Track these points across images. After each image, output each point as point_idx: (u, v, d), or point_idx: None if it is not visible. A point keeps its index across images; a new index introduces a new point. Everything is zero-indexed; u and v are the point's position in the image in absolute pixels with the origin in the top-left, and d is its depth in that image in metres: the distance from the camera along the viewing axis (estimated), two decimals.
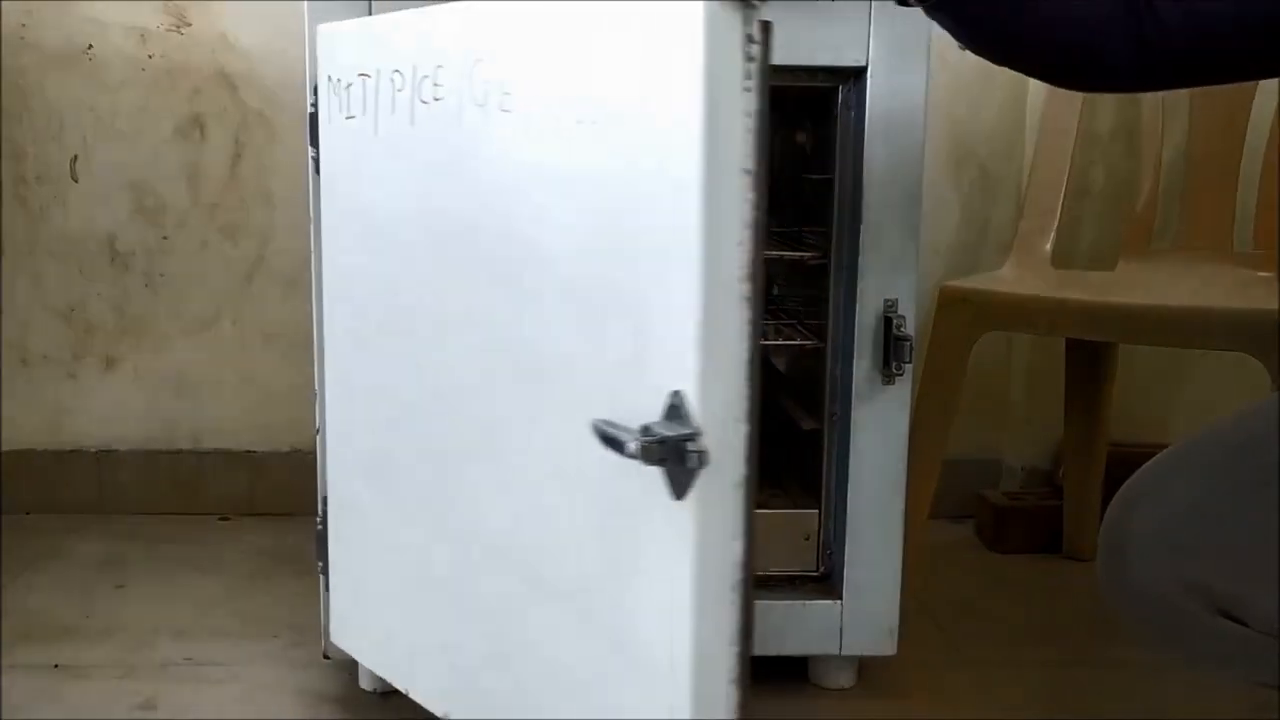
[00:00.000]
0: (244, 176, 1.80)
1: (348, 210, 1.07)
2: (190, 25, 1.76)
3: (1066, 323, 1.34)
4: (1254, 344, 1.21)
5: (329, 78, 1.06)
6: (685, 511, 0.73)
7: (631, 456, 0.72)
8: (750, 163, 0.73)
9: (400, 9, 0.99)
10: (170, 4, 1.75)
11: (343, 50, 1.04)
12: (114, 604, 1.48)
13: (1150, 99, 1.67)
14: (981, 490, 1.82)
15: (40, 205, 1.79)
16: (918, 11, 0.93)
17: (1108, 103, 1.74)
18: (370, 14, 1.10)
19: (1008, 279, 1.52)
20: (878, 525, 1.20)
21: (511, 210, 0.87)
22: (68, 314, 1.81)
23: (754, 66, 0.72)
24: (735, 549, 0.75)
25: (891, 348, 1.15)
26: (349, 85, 1.03)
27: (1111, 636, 1.42)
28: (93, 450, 1.83)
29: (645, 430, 0.72)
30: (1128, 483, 0.89)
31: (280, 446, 1.84)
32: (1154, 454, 0.92)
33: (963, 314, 1.38)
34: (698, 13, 0.70)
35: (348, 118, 1.04)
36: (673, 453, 0.72)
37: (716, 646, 0.75)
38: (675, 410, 0.73)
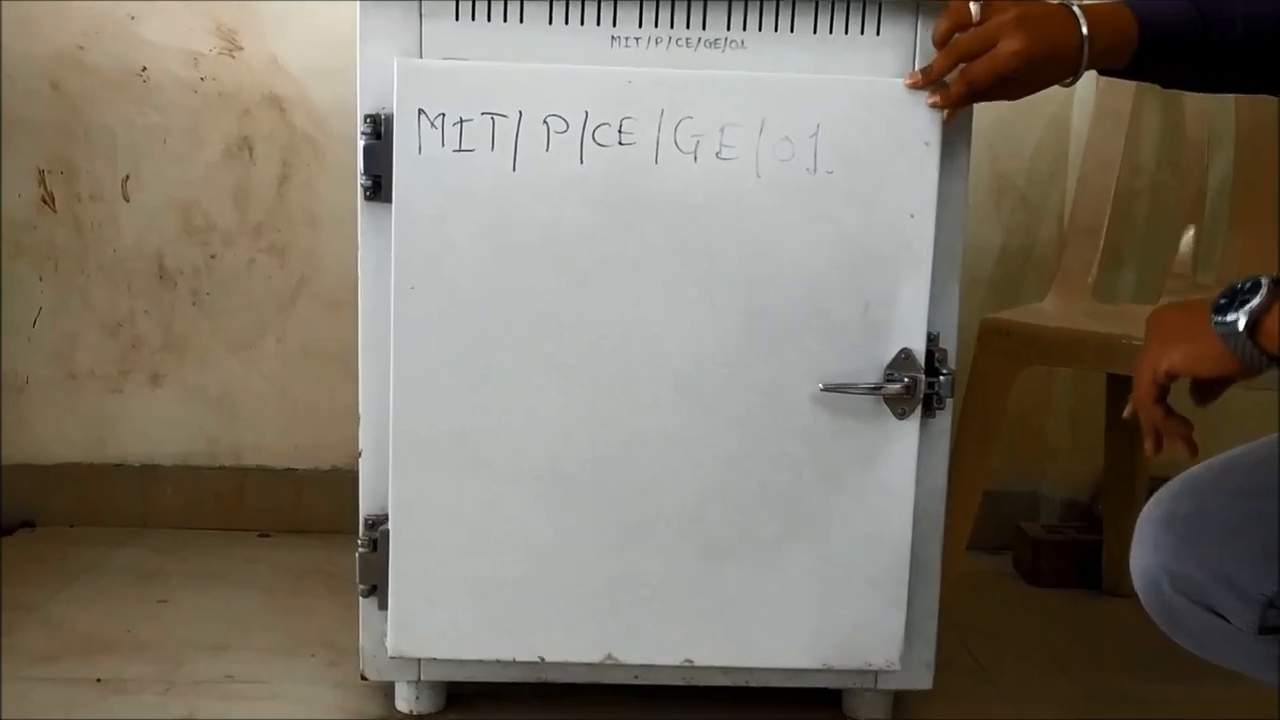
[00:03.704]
0: (291, 197, 1.83)
1: (462, 239, 1.11)
2: (242, 49, 1.79)
3: (1109, 358, 1.33)
4: None
5: (420, 111, 1.09)
6: (910, 425, 1.15)
7: (870, 391, 1.13)
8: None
9: (442, 36, 1.10)
10: (223, 28, 1.78)
11: (448, 87, 1.09)
12: (155, 619, 1.50)
13: (1195, 127, 1.66)
14: (1020, 522, 1.81)
15: (92, 223, 1.82)
16: None
17: (1151, 133, 1.74)
18: (421, 42, 1.12)
19: (1050, 312, 1.52)
20: (915, 557, 1.20)
21: (736, 230, 1.12)
22: (115, 330, 1.84)
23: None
24: (943, 451, 1.19)
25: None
26: (462, 121, 1.09)
27: (1151, 672, 1.40)
28: (136, 465, 1.86)
29: (887, 375, 1.13)
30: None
31: (321, 464, 1.86)
32: None
33: (1004, 347, 1.38)
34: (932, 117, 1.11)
35: (458, 151, 1.09)
36: (910, 387, 1.13)
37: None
38: (906, 361, 1.14)
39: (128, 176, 1.81)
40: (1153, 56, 1.07)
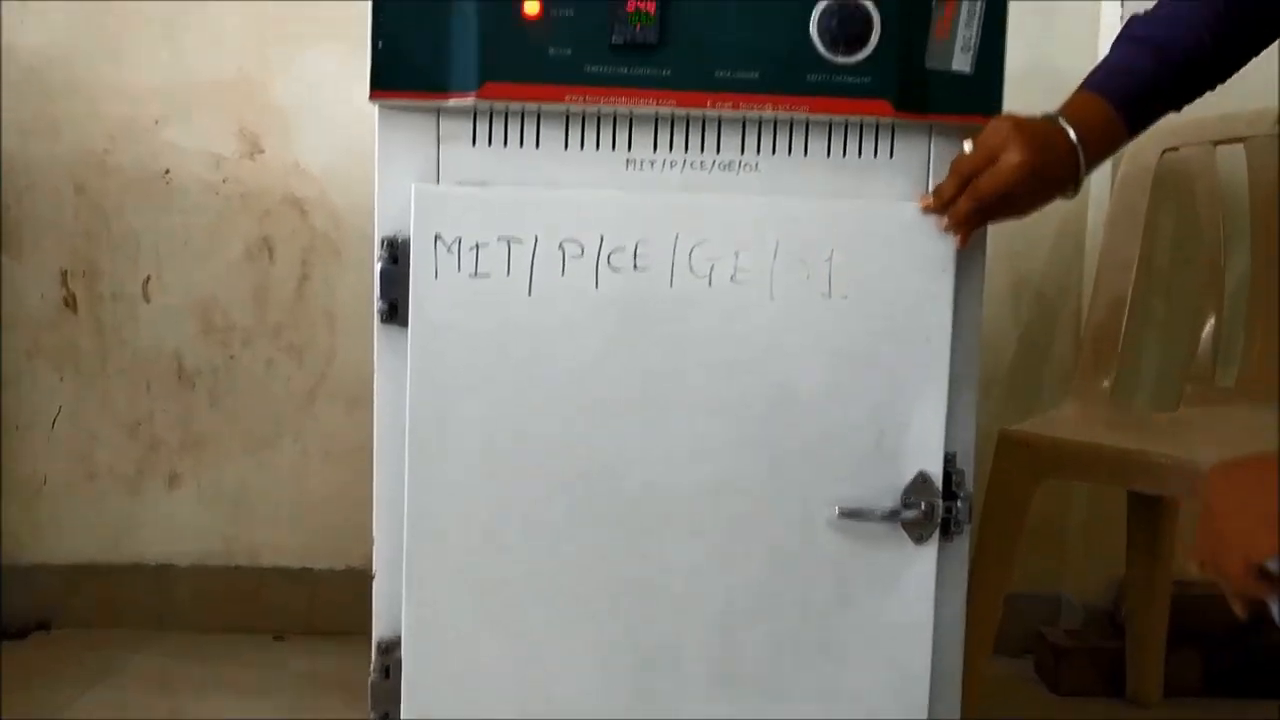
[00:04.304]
0: (310, 297, 1.84)
1: (479, 364, 1.11)
2: (264, 152, 1.82)
3: (1129, 475, 1.32)
4: None
5: (437, 236, 1.09)
6: (928, 549, 1.13)
7: (887, 519, 1.12)
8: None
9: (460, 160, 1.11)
10: (246, 131, 1.81)
11: (465, 213, 1.10)
12: None
13: (1210, 225, 1.66)
14: (1041, 627, 1.79)
15: (113, 323, 1.83)
16: None
17: (1167, 231, 1.73)
18: (438, 166, 1.13)
19: (1068, 420, 1.51)
20: (935, 671, 1.18)
21: (751, 354, 1.12)
22: (134, 430, 1.85)
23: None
24: (961, 574, 1.16)
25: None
26: (478, 246, 1.09)
27: None
28: (152, 565, 1.86)
29: (904, 499, 1.12)
30: None
31: (336, 564, 1.86)
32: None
33: (1022, 461, 1.37)
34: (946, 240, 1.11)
35: (474, 276, 1.09)
36: (928, 512, 1.11)
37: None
38: (923, 485, 1.12)
39: (149, 277, 1.83)
40: (1145, 119, 1.12)
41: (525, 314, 1.11)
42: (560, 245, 1.10)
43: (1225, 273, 1.63)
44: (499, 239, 1.10)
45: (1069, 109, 1.10)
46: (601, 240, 1.10)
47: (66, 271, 1.82)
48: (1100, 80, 1.11)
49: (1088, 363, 1.60)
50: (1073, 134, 1.07)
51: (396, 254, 1.12)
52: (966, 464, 1.17)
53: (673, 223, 1.10)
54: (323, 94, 1.80)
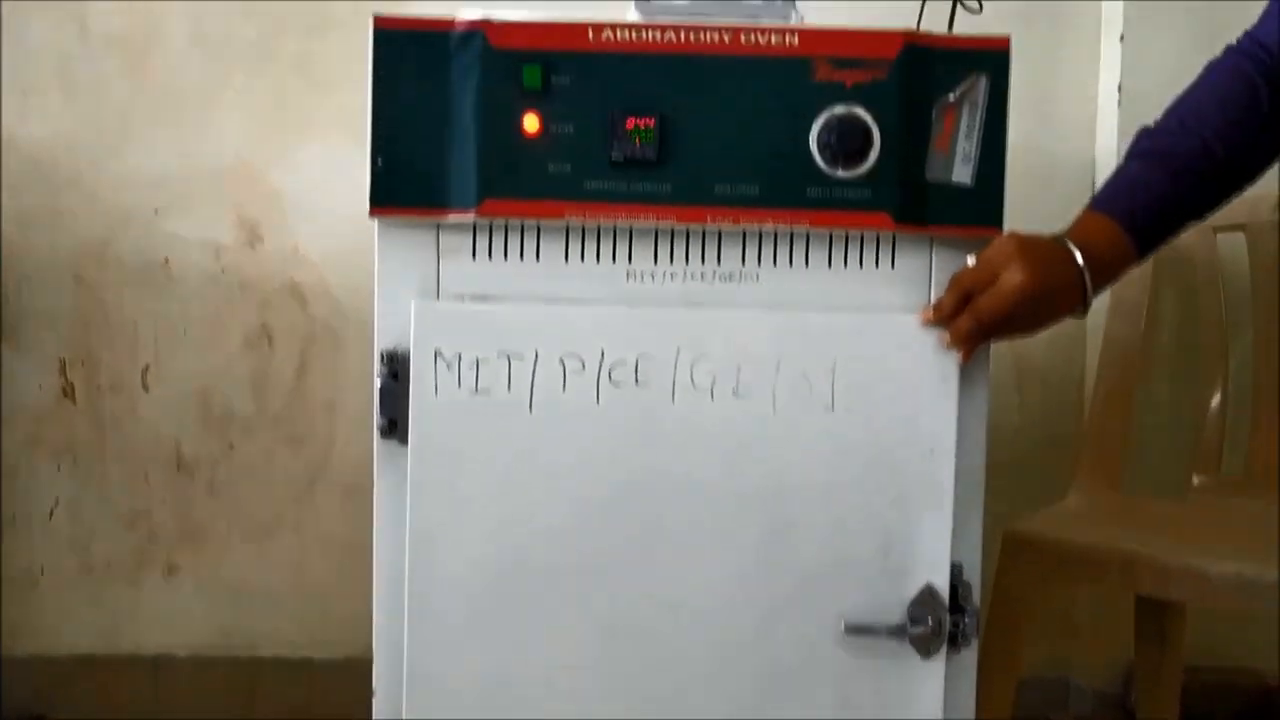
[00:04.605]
0: (309, 386, 1.83)
1: (479, 482, 1.11)
2: (263, 240, 1.82)
3: (1137, 581, 1.31)
4: None
5: (437, 353, 1.09)
6: (936, 664, 1.11)
7: (894, 634, 1.10)
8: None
9: (460, 273, 1.11)
10: (245, 220, 1.81)
11: (466, 329, 1.10)
12: None
13: (1213, 316, 1.66)
14: (1049, 713, 1.77)
15: (111, 414, 1.82)
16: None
17: (1167, 320, 1.73)
18: (439, 280, 1.12)
19: (1073, 515, 1.50)
20: None
21: (754, 469, 1.11)
22: (132, 520, 1.84)
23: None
24: (969, 686, 1.14)
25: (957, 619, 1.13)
26: (478, 362, 1.09)
27: None
28: (150, 656, 1.84)
29: (911, 613, 1.10)
30: None
31: (336, 654, 1.84)
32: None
33: (1028, 564, 1.36)
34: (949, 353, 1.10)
35: (474, 393, 1.09)
36: (935, 627, 1.10)
37: None
38: (929, 598, 1.10)
39: (148, 366, 1.82)
40: (1158, 237, 1.11)
41: (526, 430, 1.10)
42: (561, 360, 1.10)
43: (1229, 358, 1.62)
44: (499, 355, 1.10)
45: (1077, 230, 1.09)
46: (602, 355, 1.10)
47: (65, 361, 1.82)
48: (1108, 200, 1.11)
49: (1092, 451, 1.59)
50: (1079, 257, 1.06)
51: (396, 369, 1.12)
52: (973, 575, 1.15)
53: (674, 337, 1.10)
54: (322, 182, 1.80)
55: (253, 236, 1.81)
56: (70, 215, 1.80)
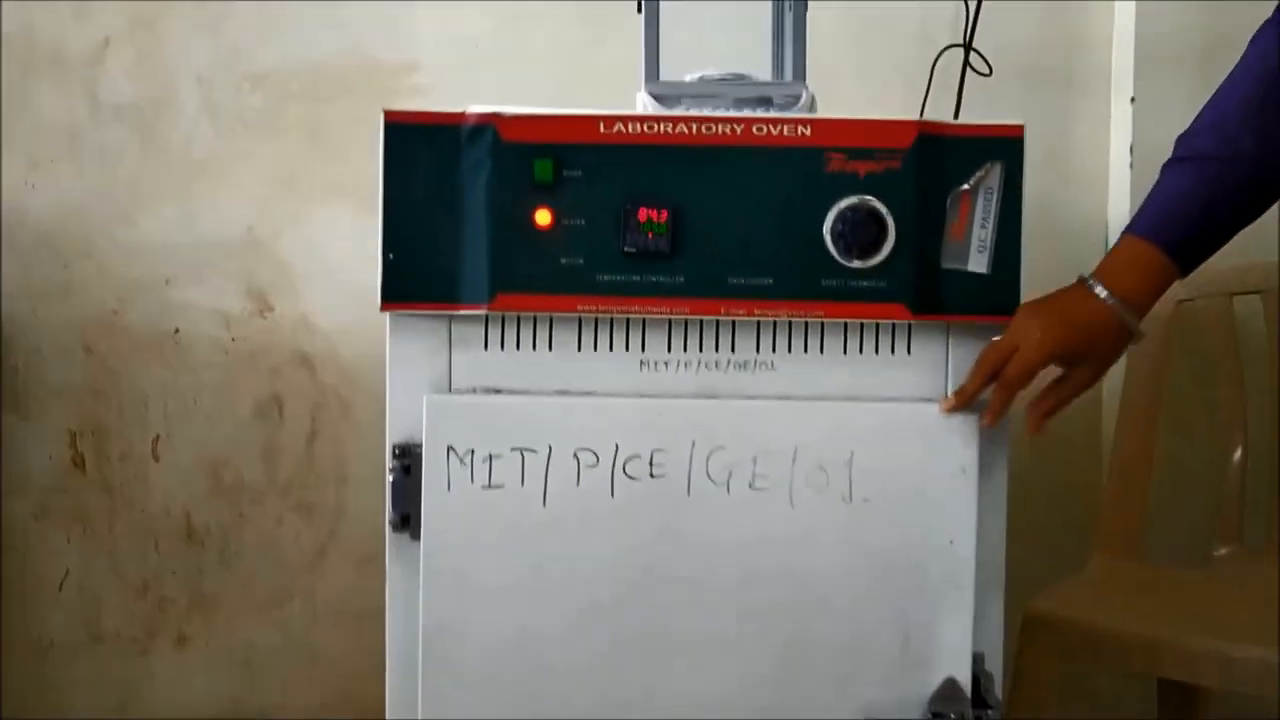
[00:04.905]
0: (319, 454, 1.82)
1: (492, 578, 1.10)
2: (273, 309, 1.81)
3: (1161, 666, 1.29)
4: None
5: (450, 448, 1.08)
6: None
7: None
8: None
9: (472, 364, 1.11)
10: (255, 290, 1.80)
11: (478, 423, 1.09)
12: None
13: (1230, 382, 1.64)
14: None
15: (121, 484, 1.81)
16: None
17: (1184, 387, 1.71)
18: (450, 372, 1.12)
19: (1094, 586, 1.48)
20: None
21: (771, 562, 1.10)
22: (142, 590, 1.82)
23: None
24: None
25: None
26: (491, 457, 1.08)
27: None
28: None
29: (933, 708, 1.08)
30: None
31: None
32: None
33: (1048, 646, 1.34)
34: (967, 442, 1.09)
35: (487, 488, 1.08)
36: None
37: None
38: (951, 693, 1.09)
39: (158, 436, 1.82)
40: (1196, 250, 1.07)
41: (540, 525, 1.09)
42: (575, 454, 1.09)
43: (1248, 426, 1.60)
44: (512, 449, 1.09)
45: (1104, 260, 1.09)
46: (617, 448, 1.09)
47: (75, 433, 1.81)
48: (1145, 222, 1.08)
49: (1111, 519, 1.57)
50: (1100, 289, 1.05)
51: (409, 464, 1.11)
52: (995, 664, 1.14)
53: (689, 429, 1.09)
54: (331, 250, 1.79)
55: (263, 305, 1.81)
56: (80, 286, 1.79)
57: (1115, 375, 1.74)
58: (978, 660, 1.12)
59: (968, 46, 1.53)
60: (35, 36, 1.77)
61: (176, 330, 1.81)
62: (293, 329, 1.81)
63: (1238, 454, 1.60)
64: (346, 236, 1.78)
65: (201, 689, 1.83)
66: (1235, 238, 1.11)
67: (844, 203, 1.06)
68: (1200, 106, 1.12)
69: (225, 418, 1.82)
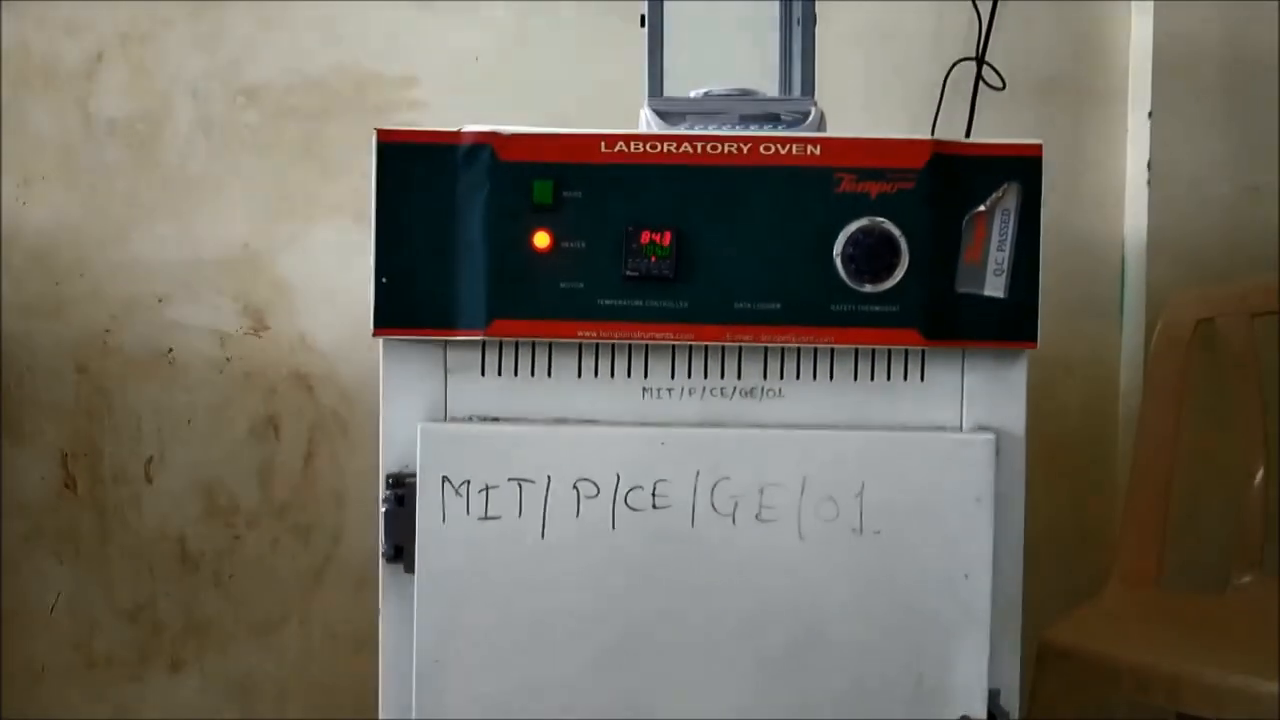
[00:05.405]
0: (316, 475, 1.79)
1: (489, 612, 1.06)
2: (269, 328, 1.77)
3: (1181, 700, 1.25)
4: None
5: (445, 479, 1.04)
6: None
7: None
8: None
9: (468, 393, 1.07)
10: (250, 308, 1.77)
11: (474, 453, 1.05)
12: None
13: (1251, 403, 1.60)
14: None
15: (115, 506, 1.78)
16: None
17: (1204, 408, 1.67)
18: (446, 401, 1.08)
19: (1112, 614, 1.43)
20: None
21: (779, 596, 1.06)
22: (136, 615, 1.79)
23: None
24: None
25: None
26: (488, 488, 1.04)
27: None
28: None
29: None
30: None
31: None
32: None
33: (1065, 677, 1.30)
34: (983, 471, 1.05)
35: (483, 519, 1.04)
36: None
37: None
38: None
39: (151, 458, 1.78)
40: None
41: (538, 558, 1.05)
42: (575, 485, 1.05)
43: (1269, 448, 1.56)
44: (510, 480, 1.05)
45: None
46: (618, 479, 1.05)
47: (67, 454, 1.77)
48: None
49: (1128, 545, 1.53)
50: None
51: (402, 494, 1.07)
52: (1011, 702, 1.10)
53: (693, 459, 1.05)
54: (328, 268, 1.76)
55: (259, 324, 1.77)
56: (73, 304, 1.76)
57: (1132, 397, 1.71)
58: (993, 697, 1.08)
59: (980, 60, 1.50)
60: (28, 51, 1.74)
61: (171, 349, 1.77)
62: (290, 348, 1.78)
63: (1258, 478, 1.56)
64: (345, 254, 1.74)
65: (197, 714, 1.79)
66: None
67: (855, 225, 1.02)
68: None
69: (220, 438, 1.78)
